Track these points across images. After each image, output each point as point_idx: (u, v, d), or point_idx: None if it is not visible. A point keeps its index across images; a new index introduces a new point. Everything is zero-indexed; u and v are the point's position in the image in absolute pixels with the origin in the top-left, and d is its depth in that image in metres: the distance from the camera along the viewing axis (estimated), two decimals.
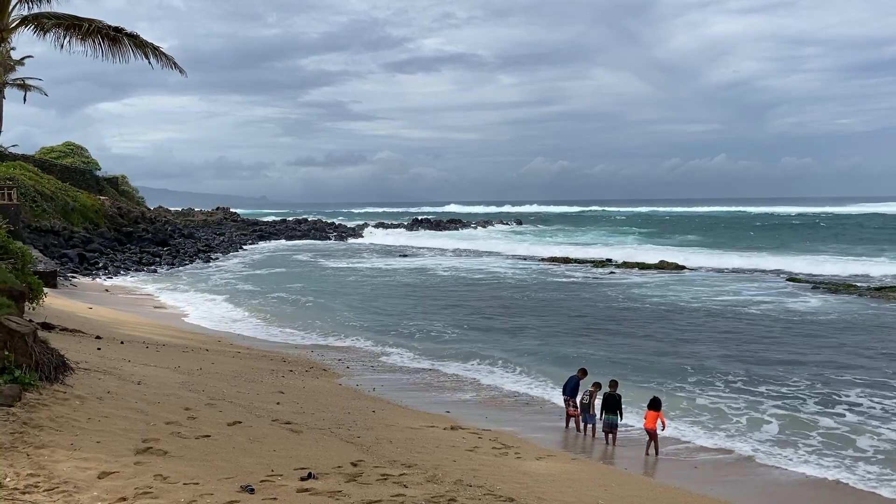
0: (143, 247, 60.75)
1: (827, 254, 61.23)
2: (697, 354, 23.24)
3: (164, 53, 17.99)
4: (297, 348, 23.86)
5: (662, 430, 14.39)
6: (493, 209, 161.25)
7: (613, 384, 15.43)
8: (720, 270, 49.97)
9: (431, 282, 45.28)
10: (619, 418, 14.91)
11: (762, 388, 19.07)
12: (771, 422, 16.38)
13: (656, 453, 14.16)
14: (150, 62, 17.67)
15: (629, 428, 15.55)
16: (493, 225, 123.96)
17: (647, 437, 14.36)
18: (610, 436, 14.90)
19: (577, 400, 15.66)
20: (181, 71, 18.48)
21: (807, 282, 42.21)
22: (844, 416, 16.88)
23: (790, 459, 14.14)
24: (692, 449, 14.70)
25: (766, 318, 30.02)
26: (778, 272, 48.11)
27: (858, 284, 40.03)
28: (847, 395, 18.46)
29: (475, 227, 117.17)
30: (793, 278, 44.08)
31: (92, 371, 13.07)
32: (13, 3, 16.93)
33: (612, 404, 14.92)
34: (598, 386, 15.72)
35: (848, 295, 36.84)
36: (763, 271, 49.15)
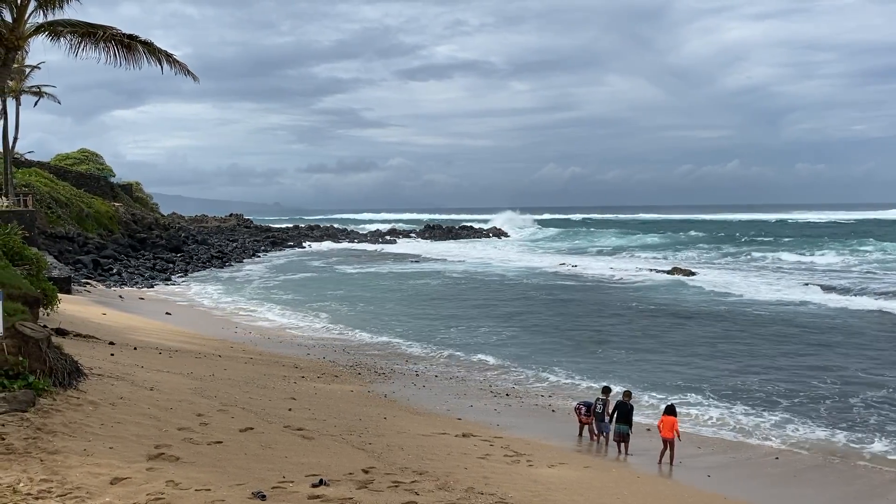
0: (157, 253, 61.03)
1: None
2: (726, 357, 23.15)
3: (177, 60, 18.16)
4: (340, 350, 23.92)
5: (679, 440, 14.29)
6: (505, 216, 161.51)
7: (627, 394, 15.36)
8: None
9: (448, 287, 45.25)
10: (630, 428, 14.81)
11: (783, 390, 18.96)
12: (791, 425, 16.29)
13: (671, 462, 14.06)
14: (163, 69, 17.85)
15: (649, 432, 15.46)
16: (507, 234, 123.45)
17: (664, 446, 14.24)
18: (622, 444, 14.82)
19: (591, 408, 15.58)
20: (194, 77, 18.65)
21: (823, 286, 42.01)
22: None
23: (808, 464, 14.03)
24: (706, 455, 14.63)
25: (783, 322, 29.84)
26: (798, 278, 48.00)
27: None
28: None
29: (490, 236, 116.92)
30: (808, 283, 43.85)
31: (105, 377, 13.12)
32: (29, 11, 17.13)
33: (624, 414, 14.83)
34: (607, 391, 15.67)
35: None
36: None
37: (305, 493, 8.28)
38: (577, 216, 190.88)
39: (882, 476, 13.67)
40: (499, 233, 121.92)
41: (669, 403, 15.18)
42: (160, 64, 17.97)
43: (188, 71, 18.55)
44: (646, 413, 17.06)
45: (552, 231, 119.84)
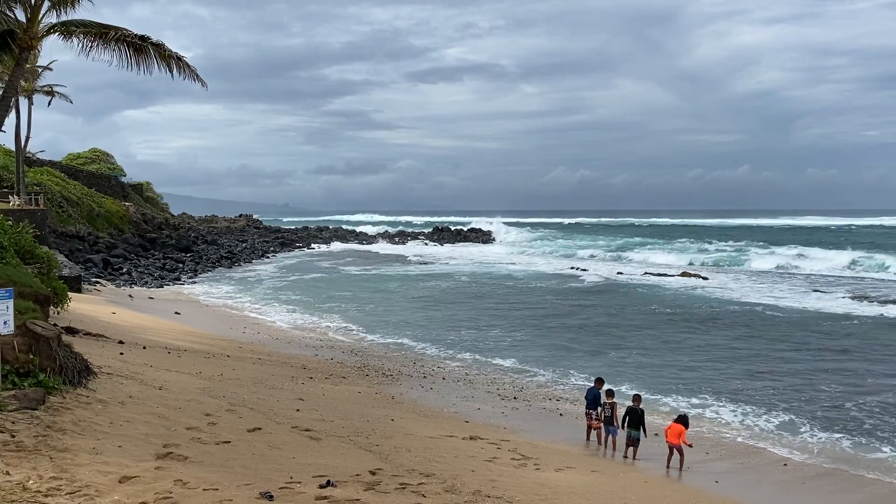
0: (167, 253, 61.28)
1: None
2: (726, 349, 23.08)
3: (187, 65, 18.23)
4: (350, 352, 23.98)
5: (690, 446, 14.23)
6: (513, 219, 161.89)
7: (636, 398, 15.30)
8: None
9: (456, 289, 45.26)
10: (641, 433, 14.75)
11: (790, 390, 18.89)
12: (800, 427, 16.22)
13: (681, 467, 14.00)
14: (173, 74, 17.91)
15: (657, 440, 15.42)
16: (508, 237, 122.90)
17: (669, 452, 14.20)
18: (631, 449, 14.77)
19: (598, 411, 15.53)
20: (203, 83, 18.71)
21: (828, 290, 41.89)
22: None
23: (817, 472, 13.97)
24: (715, 461, 14.59)
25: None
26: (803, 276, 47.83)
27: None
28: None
29: (495, 240, 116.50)
30: (817, 289, 43.73)
31: (114, 375, 13.19)
32: (42, 12, 17.25)
33: (635, 418, 14.78)
34: (611, 394, 15.63)
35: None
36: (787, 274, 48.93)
37: (313, 493, 8.29)
38: (581, 220, 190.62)
39: (892, 485, 13.58)
40: (503, 236, 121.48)
41: (682, 413, 15.09)
42: (170, 70, 18.01)
43: (197, 76, 18.60)
44: (655, 417, 16.97)
45: (554, 233, 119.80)
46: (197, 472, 8.37)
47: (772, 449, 15.49)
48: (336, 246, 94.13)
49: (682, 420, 14.36)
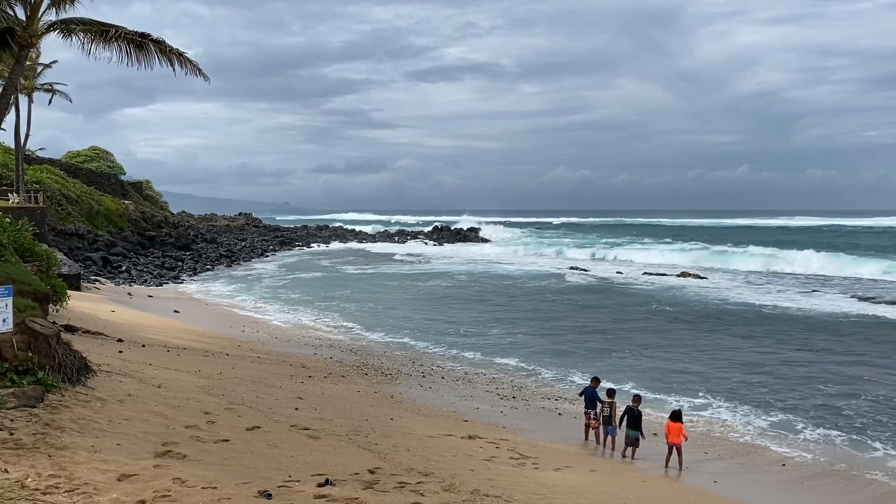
0: (166, 251, 61.30)
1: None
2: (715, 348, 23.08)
3: (189, 60, 18.20)
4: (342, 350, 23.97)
5: (686, 437, 14.24)
6: (511, 218, 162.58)
7: (636, 399, 15.28)
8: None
9: (456, 288, 45.28)
10: (640, 434, 14.74)
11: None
12: (800, 429, 16.23)
13: (679, 467, 14.00)
14: (175, 70, 17.91)
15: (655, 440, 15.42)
16: (508, 233, 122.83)
17: (668, 451, 14.20)
18: (630, 449, 14.77)
19: (597, 411, 15.53)
20: (205, 77, 18.69)
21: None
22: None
23: (815, 472, 13.97)
24: (713, 461, 14.59)
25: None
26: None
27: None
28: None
29: (493, 241, 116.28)
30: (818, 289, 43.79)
31: (113, 374, 13.18)
32: (42, 9, 17.24)
33: (633, 419, 14.78)
34: (612, 394, 15.62)
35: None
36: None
37: (311, 492, 8.29)
38: (577, 220, 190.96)
39: (890, 485, 13.59)
40: (501, 235, 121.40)
41: (675, 409, 15.14)
42: (172, 65, 18.01)
43: (199, 71, 18.59)
44: (655, 418, 16.99)
45: (551, 233, 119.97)
46: (195, 471, 8.37)
47: (771, 448, 15.51)
48: (335, 245, 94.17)
49: (678, 416, 14.37)
